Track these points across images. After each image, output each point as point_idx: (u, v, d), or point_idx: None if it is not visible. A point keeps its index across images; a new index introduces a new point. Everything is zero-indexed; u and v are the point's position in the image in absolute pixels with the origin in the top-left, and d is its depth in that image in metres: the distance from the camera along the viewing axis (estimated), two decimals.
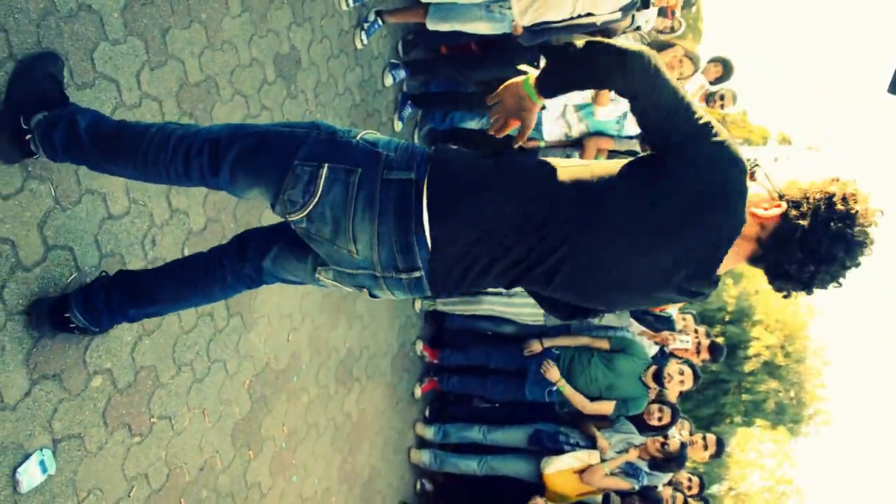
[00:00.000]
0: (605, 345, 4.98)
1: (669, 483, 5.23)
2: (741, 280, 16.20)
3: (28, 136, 1.96)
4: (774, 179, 1.74)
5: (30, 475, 2.03)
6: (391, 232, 1.68)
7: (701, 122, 1.63)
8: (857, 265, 1.64)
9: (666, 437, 4.73)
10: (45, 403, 2.11)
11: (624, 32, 4.53)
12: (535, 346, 5.08)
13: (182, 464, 2.81)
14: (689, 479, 5.47)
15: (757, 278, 17.74)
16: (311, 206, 1.70)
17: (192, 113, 2.80)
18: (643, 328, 5.13)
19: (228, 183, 1.83)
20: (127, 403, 2.47)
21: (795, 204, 1.65)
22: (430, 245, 1.69)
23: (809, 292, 1.70)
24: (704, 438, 5.17)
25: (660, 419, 4.96)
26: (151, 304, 2.11)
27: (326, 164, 1.70)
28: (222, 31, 3.02)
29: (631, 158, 1.75)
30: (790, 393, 17.77)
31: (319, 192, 1.69)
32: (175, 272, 2.14)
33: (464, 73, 4.80)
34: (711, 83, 5.52)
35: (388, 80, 4.68)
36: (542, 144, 4.99)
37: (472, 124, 5.04)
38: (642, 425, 5.05)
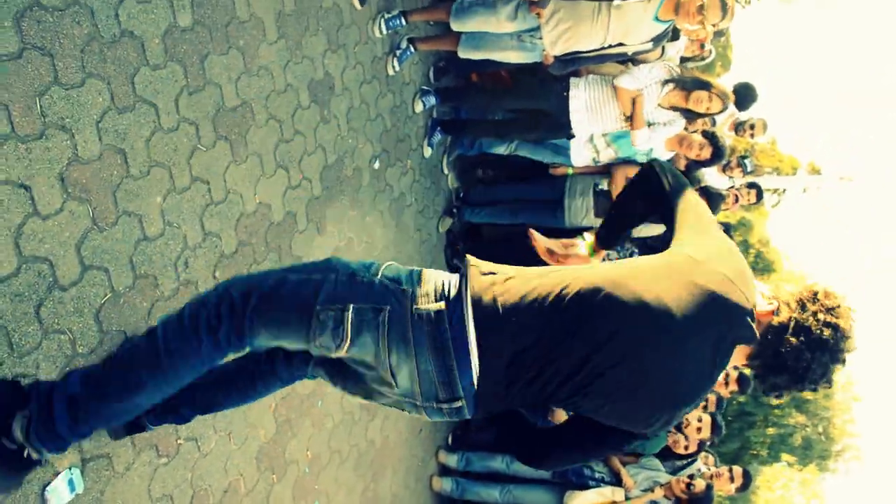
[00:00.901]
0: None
1: None
2: None
3: (25, 451, 1.80)
4: (763, 286, 1.83)
5: (59, 494, 2.04)
6: (431, 368, 1.64)
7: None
8: (844, 362, 1.73)
9: (692, 477, 4.65)
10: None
11: (654, 62, 4.52)
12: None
13: (207, 486, 2.80)
14: None
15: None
16: (344, 349, 1.65)
17: (228, 136, 2.84)
18: None
19: (256, 342, 1.74)
20: None
21: (786, 303, 1.75)
22: (475, 375, 1.65)
23: (802, 388, 1.76)
24: (731, 471, 5.08)
25: (686, 447, 4.89)
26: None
27: (351, 306, 1.64)
28: (259, 58, 3.06)
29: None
30: (818, 428, 17.41)
31: (349, 335, 1.63)
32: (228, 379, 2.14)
33: (494, 100, 4.82)
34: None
35: (419, 107, 4.71)
36: (570, 171, 4.99)
37: (501, 150, 5.06)
38: (668, 453, 4.99)
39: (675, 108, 4.42)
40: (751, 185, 6.22)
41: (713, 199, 4.80)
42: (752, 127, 5.96)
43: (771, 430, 16.44)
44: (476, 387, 1.65)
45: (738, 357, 1.76)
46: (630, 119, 4.41)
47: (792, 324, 1.71)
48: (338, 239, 3.82)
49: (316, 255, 3.59)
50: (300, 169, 3.43)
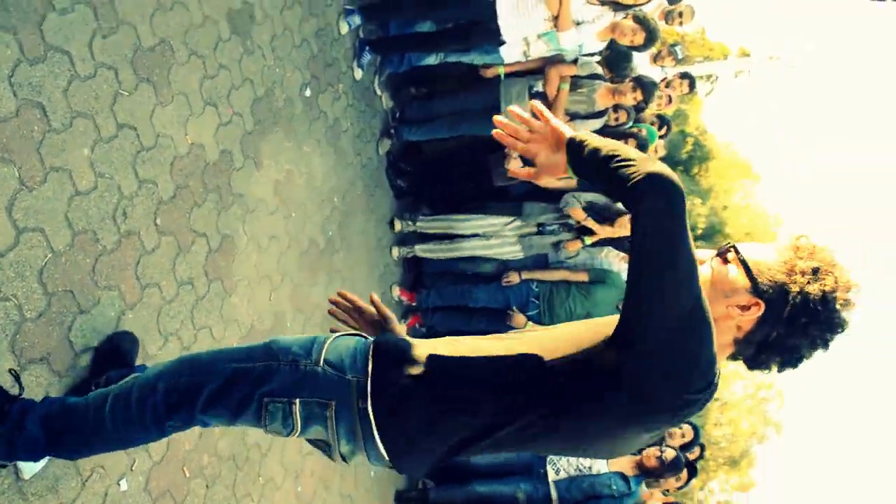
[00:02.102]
0: (583, 277, 5.02)
1: None
2: (709, 197, 16.39)
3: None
4: (748, 252, 1.60)
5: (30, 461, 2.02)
6: (378, 455, 1.65)
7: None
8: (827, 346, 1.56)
9: None
10: (36, 388, 2.09)
11: None
12: (514, 277, 5.13)
13: (181, 433, 2.81)
14: None
15: (724, 195, 17.97)
16: (295, 435, 1.66)
17: (150, 78, 2.72)
18: (622, 254, 5.18)
19: (209, 424, 1.76)
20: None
21: (771, 303, 1.53)
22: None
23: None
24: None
25: None
26: None
27: (298, 400, 1.63)
28: None
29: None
30: None
31: (299, 426, 1.64)
32: None
33: (420, 13, 4.70)
34: None
35: (344, 28, 4.57)
36: (502, 71, 4.92)
37: (431, 60, 4.96)
38: None
39: (603, 2, 4.38)
40: (683, 75, 6.27)
41: (647, 88, 4.81)
42: (680, 14, 5.96)
43: None
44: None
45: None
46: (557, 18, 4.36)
47: (773, 337, 1.55)
48: (277, 173, 3.75)
49: (257, 191, 3.52)
50: (229, 104, 3.32)
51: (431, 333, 5.75)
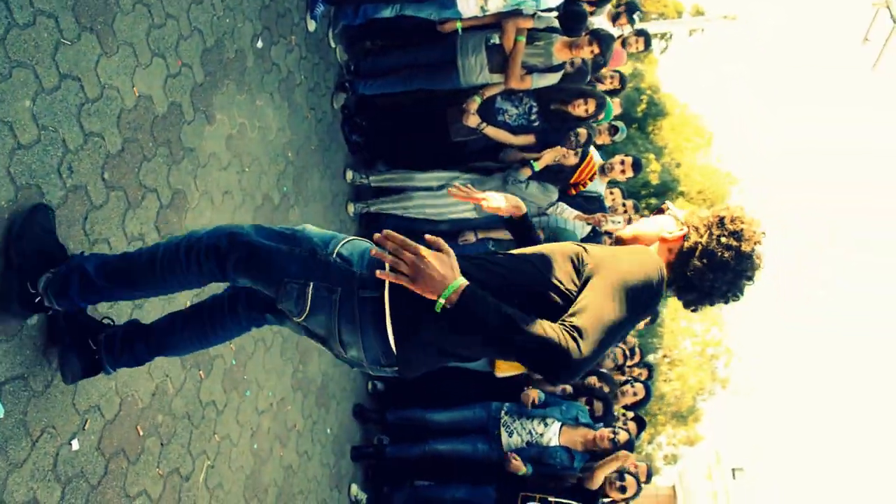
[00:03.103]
0: (539, 235, 5.03)
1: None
2: (663, 154, 16.54)
3: (38, 299, 2.11)
4: (678, 212, 2.14)
5: None
6: (373, 343, 1.88)
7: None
8: (750, 279, 2.00)
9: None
10: None
11: None
12: (470, 237, 5.13)
13: (133, 392, 2.77)
14: (628, 352, 5.75)
15: (678, 152, 18.16)
16: (304, 317, 1.91)
17: (93, 27, 2.61)
18: (576, 212, 5.22)
19: (236, 282, 2.08)
20: None
21: (695, 228, 2.02)
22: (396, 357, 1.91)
23: (712, 303, 2.06)
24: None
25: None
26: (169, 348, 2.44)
27: (312, 283, 1.89)
28: None
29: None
30: None
31: (308, 307, 1.89)
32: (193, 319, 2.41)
33: None
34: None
35: None
36: (459, 25, 4.85)
37: (386, 13, 4.87)
38: None
39: None
40: (639, 33, 6.26)
41: (604, 41, 4.77)
42: None
43: None
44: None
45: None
46: None
47: (698, 249, 1.97)
48: (229, 126, 3.66)
49: (209, 146, 3.43)
50: (178, 55, 3.21)
51: None
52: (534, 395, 4.89)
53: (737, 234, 1.94)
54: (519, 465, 4.51)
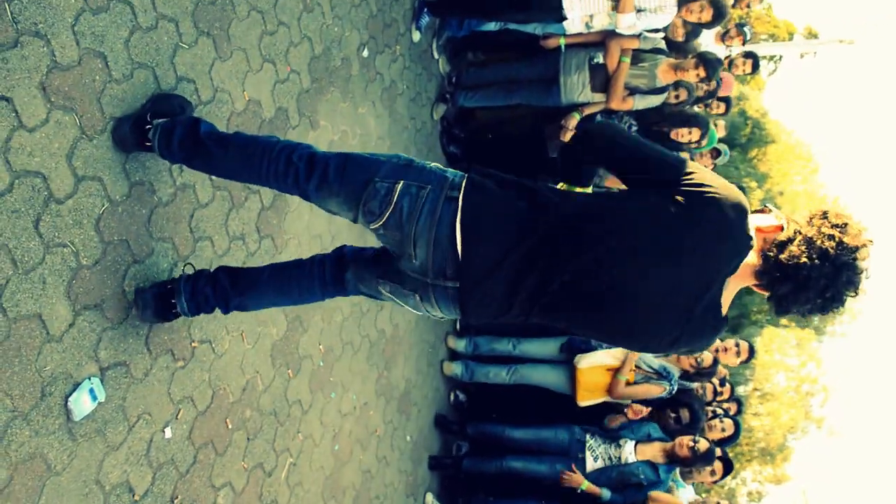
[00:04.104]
0: None
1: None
2: (766, 181, 15.98)
3: (148, 127, 2.20)
4: (778, 212, 1.96)
5: (81, 403, 2.07)
6: (442, 243, 1.91)
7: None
8: (853, 284, 1.80)
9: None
10: (90, 333, 2.14)
11: None
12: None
13: (225, 385, 2.86)
14: (718, 386, 5.55)
15: (781, 179, 17.49)
16: (386, 216, 1.95)
17: (210, 32, 2.72)
18: None
19: (316, 189, 2.07)
20: (168, 329, 2.49)
21: (795, 221, 1.86)
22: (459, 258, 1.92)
23: (809, 300, 1.82)
24: (737, 345, 5.20)
25: None
26: (255, 296, 2.43)
27: (402, 181, 1.96)
28: None
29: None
30: None
31: (394, 203, 1.94)
32: (281, 272, 2.43)
33: None
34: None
35: None
36: (563, 42, 4.82)
37: (491, 27, 4.88)
38: None
39: None
40: (747, 55, 6.07)
41: (710, 64, 4.64)
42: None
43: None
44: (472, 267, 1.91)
45: (746, 275, 1.90)
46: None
47: (797, 237, 1.80)
48: (332, 132, 3.74)
49: None
50: (287, 61, 3.31)
51: None
52: (620, 419, 4.80)
53: (841, 227, 1.79)
54: (579, 479, 4.48)
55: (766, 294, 1.88)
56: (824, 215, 1.81)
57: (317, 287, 2.39)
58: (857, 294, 1.81)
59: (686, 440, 4.51)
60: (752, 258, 1.88)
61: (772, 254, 1.82)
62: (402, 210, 1.93)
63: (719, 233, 1.85)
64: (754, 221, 1.92)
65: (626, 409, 4.85)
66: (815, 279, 1.76)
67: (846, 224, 1.79)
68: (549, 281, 1.90)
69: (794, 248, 1.79)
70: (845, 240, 1.76)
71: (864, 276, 1.80)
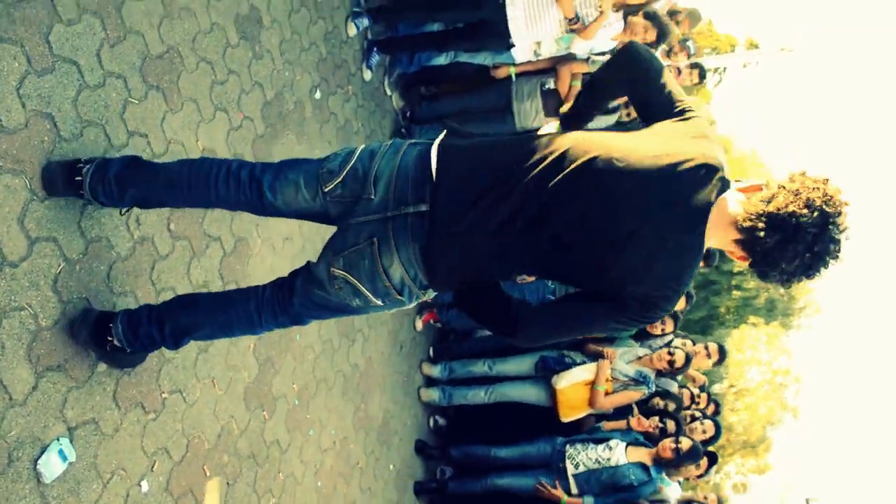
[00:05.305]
0: None
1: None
2: None
3: (80, 166, 2.17)
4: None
5: (51, 465, 2.07)
6: (410, 168, 1.96)
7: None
8: (834, 239, 1.75)
9: (671, 351, 4.83)
10: (55, 394, 2.14)
11: None
12: (529, 277, 5.15)
13: (199, 433, 2.86)
14: (700, 392, 5.65)
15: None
16: (345, 172, 2.00)
17: (159, 85, 2.76)
18: None
19: (273, 180, 2.10)
20: (136, 383, 2.50)
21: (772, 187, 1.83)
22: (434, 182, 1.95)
23: (790, 251, 1.76)
24: (707, 347, 5.29)
25: (662, 330, 5.09)
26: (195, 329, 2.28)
27: (363, 145, 2.06)
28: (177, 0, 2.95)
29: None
30: (780, 288, 18.00)
31: (354, 160, 2.01)
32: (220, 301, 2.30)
33: (429, 13, 4.72)
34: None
35: (352, 30, 4.60)
36: (513, 71, 4.93)
37: (441, 61, 4.98)
38: (643, 335, 5.21)
39: (616, 8, 4.40)
40: (693, 65, 6.20)
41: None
42: (677, 21, 5.92)
43: (736, 294, 16.98)
44: (439, 191, 1.93)
45: (726, 228, 1.83)
46: (572, 21, 4.37)
47: (782, 190, 1.77)
48: None
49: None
50: (240, 109, 3.36)
51: (448, 330, 5.78)
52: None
53: (823, 181, 1.77)
54: (559, 494, 4.55)
55: (746, 256, 1.83)
56: (804, 173, 1.81)
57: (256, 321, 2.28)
58: (839, 255, 1.78)
59: (667, 443, 4.57)
60: (736, 209, 1.82)
61: (758, 206, 1.78)
62: (362, 160, 2.01)
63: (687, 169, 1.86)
64: (735, 186, 1.89)
65: (629, 418, 4.94)
66: (804, 229, 1.72)
67: (827, 180, 1.78)
68: (522, 210, 1.90)
69: (780, 199, 1.75)
70: (829, 191, 1.75)
71: (846, 235, 1.77)
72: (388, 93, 5.18)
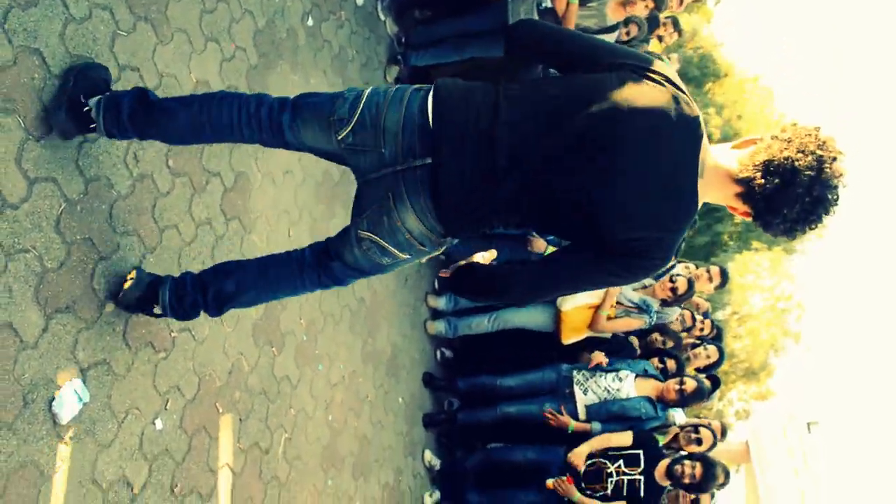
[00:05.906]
0: None
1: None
2: (723, 110, 16.05)
3: (87, 109, 2.12)
4: None
5: (66, 406, 2.06)
6: (414, 116, 1.93)
7: None
8: (832, 184, 1.75)
9: (673, 279, 4.82)
10: (65, 336, 2.12)
11: None
12: (539, 244, 5.09)
13: (210, 371, 2.86)
14: (702, 322, 5.66)
15: (737, 105, 17.59)
16: (355, 118, 1.97)
17: (147, 16, 2.65)
18: None
19: (291, 119, 2.09)
20: (145, 322, 2.47)
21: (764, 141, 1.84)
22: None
23: (791, 196, 1.76)
24: (709, 271, 5.28)
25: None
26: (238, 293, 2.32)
27: (371, 87, 2.03)
28: None
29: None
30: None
31: (362, 104, 1.97)
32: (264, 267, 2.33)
33: None
34: None
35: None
36: None
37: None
38: None
39: None
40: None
41: None
42: None
43: (738, 220, 17.00)
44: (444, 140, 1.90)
45: (723, 183, 1.87)
46: None
47: (776, 140, 1.79)
48: None
49: None
50: (231, 38, 3.24)
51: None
52: (599, 358, 4.86)
53: (816, 129, 1.79)
54: (566, 421, 4.61)
55: (748, 209, 1.84)
56: (796, 123, 1.82)
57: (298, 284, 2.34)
58: (838, 201, 1.78)
59: (672, 384, 4.61)
60: (731, 164, 1.85)
61: (754, 157, 1.80)
62: (370, 108, 1.97)
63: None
64: (730, 144, 1.93)
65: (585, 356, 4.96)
66: (801, 172, 1.73)
67: (819, 128, 1.79)
68: (524, 155, 1.89)
69: (775, 148, 1.77)
70: (822, 137, 1.77)
71: (843, 182, 1.77)
72: (382, 18, 5.02)
